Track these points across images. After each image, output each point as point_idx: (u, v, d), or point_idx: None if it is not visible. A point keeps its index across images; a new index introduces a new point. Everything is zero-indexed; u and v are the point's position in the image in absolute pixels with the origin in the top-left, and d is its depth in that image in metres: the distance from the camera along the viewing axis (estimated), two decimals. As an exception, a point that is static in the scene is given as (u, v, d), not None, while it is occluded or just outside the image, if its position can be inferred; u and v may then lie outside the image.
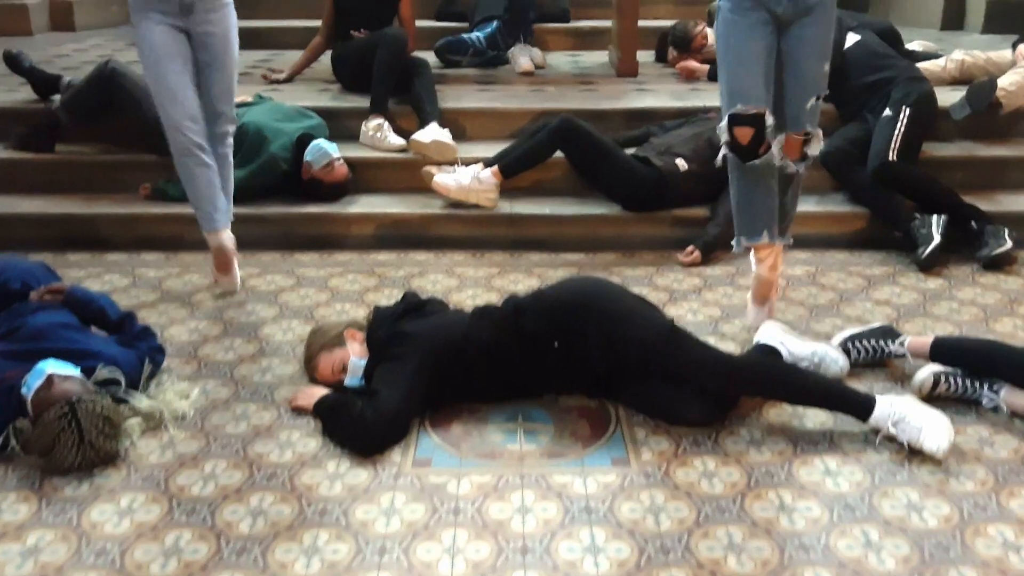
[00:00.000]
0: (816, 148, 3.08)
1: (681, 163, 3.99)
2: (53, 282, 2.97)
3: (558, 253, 3.96)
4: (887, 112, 4.06)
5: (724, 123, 2.97)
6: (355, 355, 2.76)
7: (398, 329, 2.73)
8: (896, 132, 3.99)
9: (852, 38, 4.43)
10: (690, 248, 3.87)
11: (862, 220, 4.06)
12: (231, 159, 3.57)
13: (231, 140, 3.54)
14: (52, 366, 2.48)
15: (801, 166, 3.12)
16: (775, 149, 2.98)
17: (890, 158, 3.95)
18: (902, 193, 3.99)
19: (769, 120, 2.92)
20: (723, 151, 3.04)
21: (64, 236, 4.00)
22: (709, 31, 5.47)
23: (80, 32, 7.08)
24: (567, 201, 4.15)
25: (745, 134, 2.93)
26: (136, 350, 2.80)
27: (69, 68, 5.44)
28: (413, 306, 2.88)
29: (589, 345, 2.65)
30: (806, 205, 4.10)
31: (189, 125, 3.31)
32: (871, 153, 4.02)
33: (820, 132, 3.10)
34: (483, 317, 2.78)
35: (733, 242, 3.21)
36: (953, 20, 7.10)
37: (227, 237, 3.48)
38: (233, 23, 3.41)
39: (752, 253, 3.21)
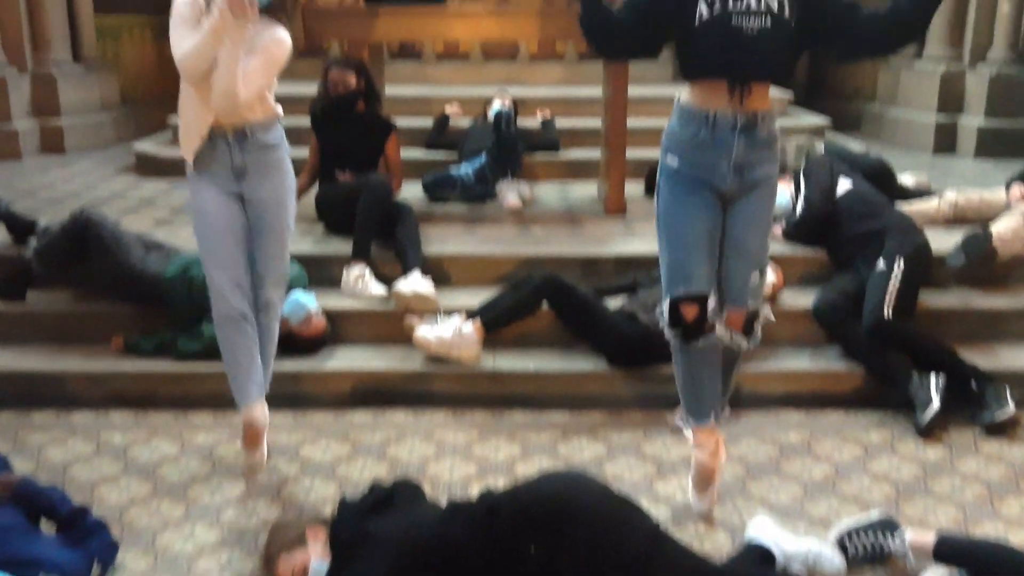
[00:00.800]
0: (759, 328, 2.98)
1: (669, 319, 3.87)
2: (2, 472, 2.81)
3: (542, 412, 3.81)
4: (881, 265, 3.96)
5: (666, 305, 2.88)
6: (316, 557, 2.58)
7: (364, 530, 2.56)
8: (890, 287, 3.88)
9: (843, 184, 4.37)
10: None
11: (858, 378, 3.92)
12: (275, 330, 3.35)
13: (278, 312, 3.34)
14: (-13, 584, 2.31)
15: (748, 342, 3.00)
16: (719, 329, 2.87)
17: (885, 315, 3.83)
18: (899, 350, 3.86)
19: (711, 303, 2.82)
20: (666, 332, 2.93)
21: (30, 393, 3.85)
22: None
23: (70, 154, 7.07)
24: (552, 355, 4.02)
25: (691, 311, 2.83)
26: (85, 549, 2.63)
27: (52, 200, 5.42)
28: (381, 499, 2.71)
29: (567, 552, 2.47)
30: (799, 361, 4.00)
31: (235, 293, 3.15)
32: (865, 308, 3.90)
33: (767, 309, 3.02)
34: (455, 515, 2.61)
35: (679, 421, 3.07)
36: (945, 145, 7.12)
37: (260, 412, 3.21)
38: (289, 187, 3.25)
39: (691, 437, 3.06)
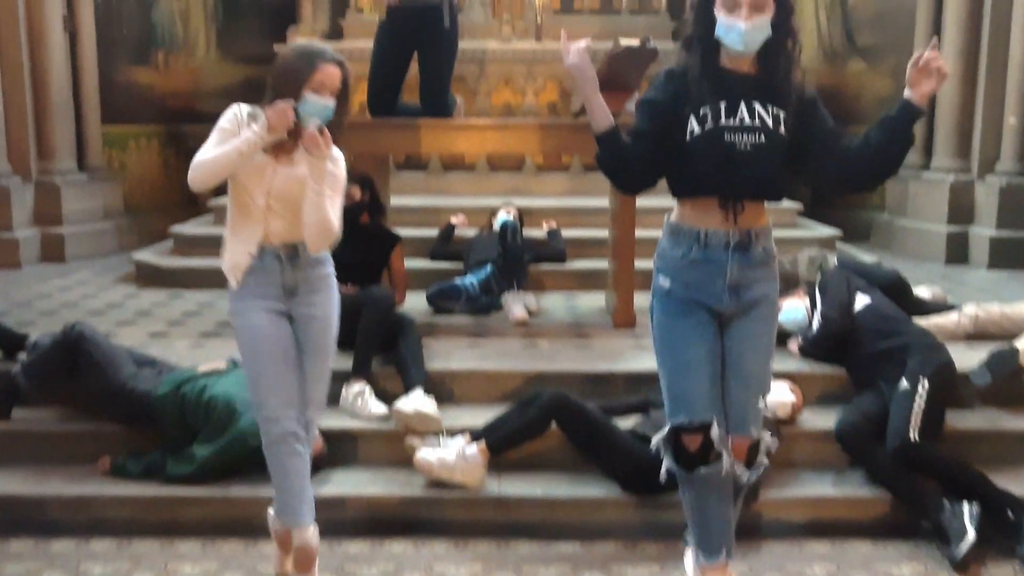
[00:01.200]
0: (763, 459, 2.81)
1: (684, 442, 3.68)
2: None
3: (551, 543, 3.58)
4: (904, 384, 3.78)
5: (666, 433, 2.73)
6: None
7: None
8: (915, 408, 3.69)
9: (862, 300, 4.23)
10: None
11: (885, 505, 3.69)
12: (308, 451, 3.22)
13: (315, 431, 3.26)
14: None
15: (753, 474, 2.82)
16: (725, 458, 2.70)
17: (911, 438, 3.63)
18: (926, 475, 3.65)
19: (715, 431, 2.66)
20: (665, 466, 2.77)
21: (8, 519, 3.63)
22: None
23: (71, 263, 6.99)
24: (561, 479, 3.81)
25: (694, 441, 2.67)
26: None
27: (47, 311, 5.30)
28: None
29: None
30: (822, 487, 3.79)
31: (287, 415, 3.01)
32: (889, 430, 3.71)
33: (768, 436, 2.85)
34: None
35: (689, 562, 2.85)
36: (957, 255, 7.02)
37: (312, 534, 3.06)
38: (335, 304, 3.15)
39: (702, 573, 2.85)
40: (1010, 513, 3.52)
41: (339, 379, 4.14)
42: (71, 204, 7.20)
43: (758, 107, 2.61)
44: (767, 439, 2.83)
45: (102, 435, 3.93)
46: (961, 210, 7.04)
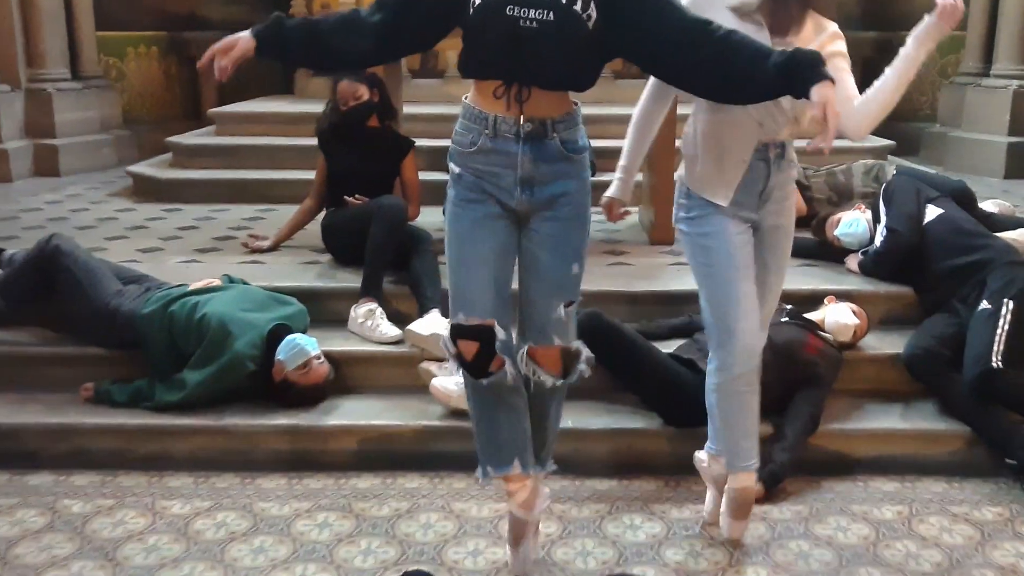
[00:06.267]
0: (583, 368, 2.52)
1: (735, 368, 3.26)
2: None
3: (583, 480, 3.19)
4: (985, 305, 3.35)
5: (447, 335, 2.44)
6: None
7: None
8: (998, 331, 3.26)
9: (932, 211, 3.76)
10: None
11: (960, 439, 3.28)
12: None
13: None
14: None
15: (562, 381, 2.52)
16: (508, 366, 2.40)
17: (994, 365, 3.20)
18: (1010, 408, 3.23)
19: (500, 334, 2.37)
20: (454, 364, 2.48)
21: (-18, 450, 3.29)
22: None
23: (65, 177, 6.57)
24: (595, 408, 3.40)
25: (469, 349, 2.39)
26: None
27: (33, 228, 4.90)
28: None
29: None
30: (888, 419, 3.38)
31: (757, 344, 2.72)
32: (968, 357, 3.28)
33: (582, 347, 2.51)
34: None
35: (477, 472, 2.57)
36: (1017, 168, 6.47)
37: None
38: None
39: (503, 485, 2.60)
40: (1107, 450, 3.11)
41: (347, 299, 3.76)
42: (64, 114, 6.75)
43: None
44: (583, 348, 2.51)
45: (85, 359, 3.54)
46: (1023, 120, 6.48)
